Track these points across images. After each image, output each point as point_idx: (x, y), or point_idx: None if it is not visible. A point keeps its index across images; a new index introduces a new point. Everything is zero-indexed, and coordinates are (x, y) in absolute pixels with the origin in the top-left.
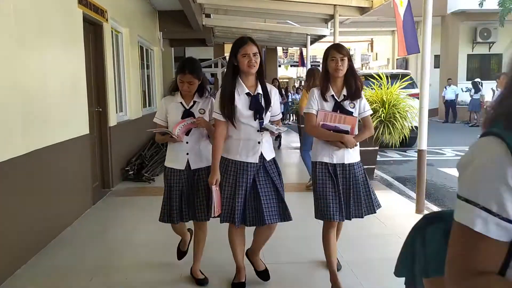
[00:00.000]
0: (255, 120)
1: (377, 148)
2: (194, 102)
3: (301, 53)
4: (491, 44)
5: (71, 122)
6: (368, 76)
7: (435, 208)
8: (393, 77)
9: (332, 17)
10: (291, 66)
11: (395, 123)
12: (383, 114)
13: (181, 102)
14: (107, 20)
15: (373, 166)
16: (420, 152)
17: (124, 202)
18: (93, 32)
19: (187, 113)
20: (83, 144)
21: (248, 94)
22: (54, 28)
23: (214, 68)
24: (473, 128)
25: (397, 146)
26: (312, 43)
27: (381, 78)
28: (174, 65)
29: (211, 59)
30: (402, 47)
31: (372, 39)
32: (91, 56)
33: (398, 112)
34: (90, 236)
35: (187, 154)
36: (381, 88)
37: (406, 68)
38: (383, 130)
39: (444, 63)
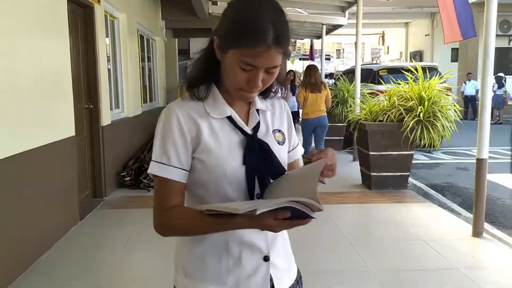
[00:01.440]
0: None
1: (412, 153)
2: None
3: (312, 45)
4: (511, 37)
5: (52, 123)
6: (400, 69)
7: (495, 231)
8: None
9: (350, 4)
10: (299, 59)
11: (435, 122)
12: (421, 113)
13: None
14: (99, 1)
15: (407, 174)
16: (480, 163)
17: (118, 216)
18: (82, 15)
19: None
20: (68, 148)
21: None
22: (29, 10)
23: None
24: (496, 126)
25: (432, 148)
26: (326, 33)
27: (416, 71)
28: (178, 58)
29: None
30: (451, 32)
31: (383, 31)
32: (80, 44)
33: (439, 110)
34: (71, 266)
35: None
36: (417, 83)
37: (421, 62)
38: (421, 131)
39: (463, 57)
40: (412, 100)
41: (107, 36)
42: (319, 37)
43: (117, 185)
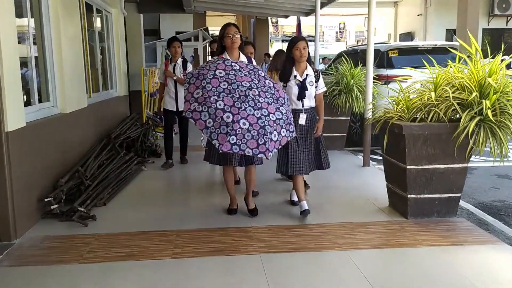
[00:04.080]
0: None
1: (467, 165)
2: None
3: (299, 23)
4: (509, 18)
5: None
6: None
7: None
8: (437, 52)
9: None
10: (282, 41)
11: (506, 122)
12: (484, 109)
13: None
14: None
15: (458, 195)
16: None
17: (26, 281)
18: None
19: None
20: None
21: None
22: None
23: (194, 41)
24: None
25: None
26: (322, 5)
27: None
28: (145, 39)
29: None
30: None
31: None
32: None
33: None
34: None
35: None
36: (473, 67)
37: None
38: (485, 134)
39: (460, 39)
40: (468, 91)
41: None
42: (307, 13)
43: (40, 216)
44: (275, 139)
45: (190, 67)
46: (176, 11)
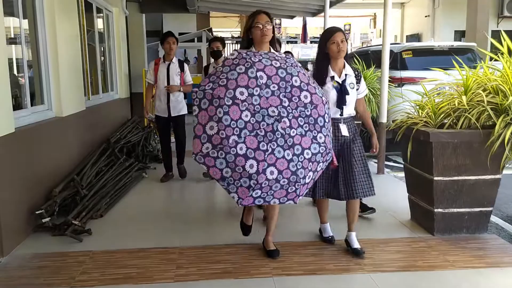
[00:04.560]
0: None
1: (500, 177)
2: None
3: (305, 25)
4: None
5: None
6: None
7: None
8: (452, 52)
9: None
10: (287, 43)
11: None
12: None
13: None
14: None
15: (490, 209)
16: None
17: None
18: None
19: None
20: None
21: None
22: None
23: (197, 42)
24: None
25: None
26: (331, 4)
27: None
28: (148, 40)
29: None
30: None
31: (375, 13)
32: None
33: None
34: None
35: None
36: (508, 67)
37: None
38: None
39: (469, 40)
40: (502, 95)
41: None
42: (314, 13)
43: (30, 229)
44: (308, 180)
45: (187, 70)
46: (179, 11)
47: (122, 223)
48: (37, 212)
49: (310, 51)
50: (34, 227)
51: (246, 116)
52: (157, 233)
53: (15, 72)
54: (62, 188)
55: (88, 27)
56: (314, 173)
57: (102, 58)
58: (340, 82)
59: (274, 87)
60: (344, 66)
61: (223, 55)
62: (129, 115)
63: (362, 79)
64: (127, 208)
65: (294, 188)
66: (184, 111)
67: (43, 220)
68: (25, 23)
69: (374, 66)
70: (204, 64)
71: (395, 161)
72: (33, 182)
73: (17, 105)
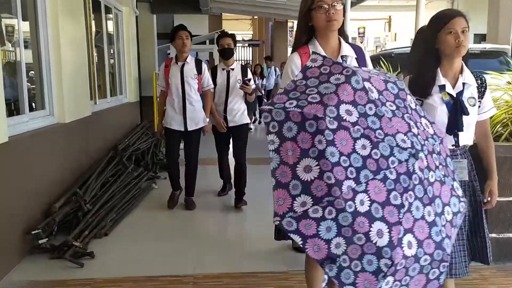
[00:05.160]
0: None
1: None
2: None
3: None
4: None
5: None
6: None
7: None
8: (484, 55)
9: None
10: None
11: None
12: None
13: None
14: None
15: None
16: None
17: None
18: None
19: None
20: None
21: None
22: None
23: (209, 45)
24: None
25: None
26: (352, 4)
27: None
28: (159, 42)
29: (205, 34)
30: None
31: (390, 16)
32: None
33: None
34: None
35: None
36: None
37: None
38: None
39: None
40: None
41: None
42: None
43: (26, 251)
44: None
45: (206, 72)
46: (191, 11)
47: (128, 243)
48: (33, 232)
49: None
50: (30, 248)
51: (364, 147)
52: (168, 256)
53: (13, 75)
54: (63, 203)
55: (96, 27)
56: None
57: (112, 60)
58: (455, 95)
59: (391, 105)
60: (461, 71)
61: (234, 54)
62: (138, 120)
63: (488, 91)
64: (135, 225)
65: (437, 273)
66: (202, 123)
67: (40, 242)
68: (25, 24)
69: (399, 70)
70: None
71: None
72: (30, 197)
73: (14, 111)
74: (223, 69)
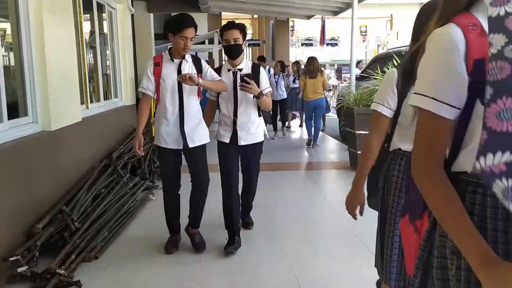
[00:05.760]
0: None
1: None
2: None
3: (323, 26)
4: None
5: None
6: None
7: None
8: None
9: None
10: (302, 45)
11: None
12: None
13: None
14: None
15: None
16: None
17: None
18: None
19: None
20: None
21: None
22: None
23: (208, 45)
24: None
25: None
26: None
27: None
28: (155, 44)
29: (204, 34)
30: None
31: (391, 15)
32: None
33: None
34: None
35: None
36: None
37: None
38: None
39: None
40: None
41: None
42: (336, 12)
43: (4, 281)
44: None
45: (207, 65)
46: (189, 10)
47: (122, 268)
48: (11, 259)
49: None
50: (8, 277)
51: None
52: (168, 284)
53: None
54: (47, 223)
55: (88, 26)
56: None
57: (106, 61)
58: None
59: None
60: None
61: (243, 51)
62: (135, 124)
63: None
64: (130, 245)
65: None
66: (206, 138)
67: (19, 270)
68: (5, 24)
69: None
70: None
71: None
72: (9, 217)
73: None
74: (229, 70)
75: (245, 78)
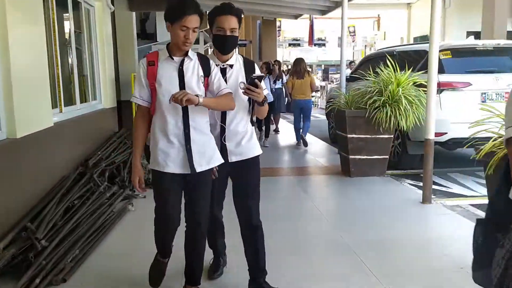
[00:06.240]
0: None
1: None
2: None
3: (312, 25)
4: None
5: None
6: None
7: None
8: (498, 52)
9: None
10: (289, 45)
11: None
12: None
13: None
14: None
15: None
16: None
17: None
18: None
19: None
20: None
21: None
22: None
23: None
24: None
25: None
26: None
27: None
28: (139, 43)
29: None
30: None
31: (379, 15)
32: None
33: None
34: None
35: None
36: None
37: None
38: None
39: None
40: None
41: None
42: (324, 12)
43: None
44: None
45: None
46: None
47: None
48: None
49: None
50: None
51: None
52: None
53: None
54: (9, 242)
55: (62, 25)
56: None
57: (83, 62)
58: None
59: None
60: None
61: (236, 49)
62: (116, 128)
63: None
64: (104, 264)
65: None
66: (218, 158)
67: None
68: None
69: (410, 69)
70: None
71: (435, 183)
72: None
73: None
74: (217, 65)
75: (256, 81)
